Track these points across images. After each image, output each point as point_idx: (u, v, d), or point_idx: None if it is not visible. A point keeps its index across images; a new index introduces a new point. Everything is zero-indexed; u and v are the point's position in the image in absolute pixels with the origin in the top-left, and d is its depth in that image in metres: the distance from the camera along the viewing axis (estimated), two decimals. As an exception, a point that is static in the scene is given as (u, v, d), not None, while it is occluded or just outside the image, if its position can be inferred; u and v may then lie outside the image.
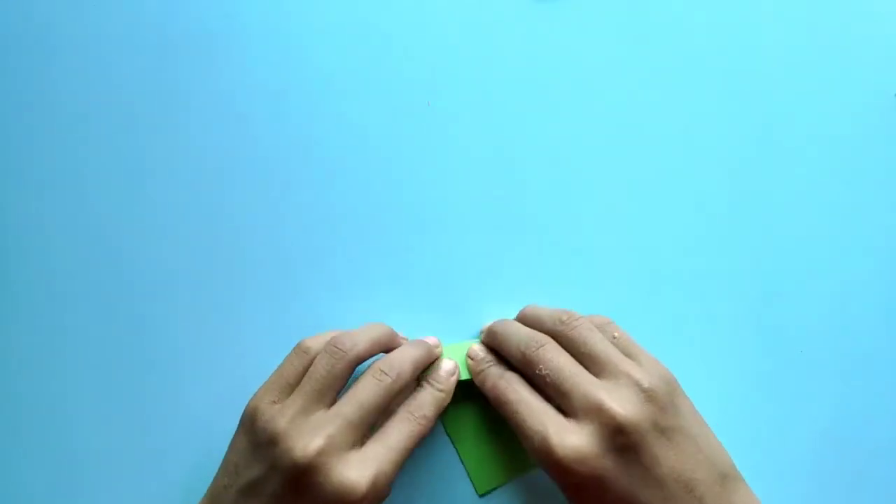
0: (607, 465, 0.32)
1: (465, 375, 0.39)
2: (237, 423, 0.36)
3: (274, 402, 0.35)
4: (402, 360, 0.36)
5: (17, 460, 0.41)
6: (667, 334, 0.42)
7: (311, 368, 0.35)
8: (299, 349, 0.37)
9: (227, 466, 0.35)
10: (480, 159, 0.43)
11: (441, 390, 0.38)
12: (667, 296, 0.42)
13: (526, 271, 0.42)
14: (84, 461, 0.41)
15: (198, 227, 0.43)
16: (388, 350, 0.38)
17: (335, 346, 0.36)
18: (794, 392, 0.42)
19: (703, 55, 0.44)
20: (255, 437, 0.34)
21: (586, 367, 0.35)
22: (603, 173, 0.43)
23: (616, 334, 0.37)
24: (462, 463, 0.40)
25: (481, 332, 0.41)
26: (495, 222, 0.43)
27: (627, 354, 0.36)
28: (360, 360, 0.36)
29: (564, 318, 0.37)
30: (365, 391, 0.35)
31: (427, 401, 0.37)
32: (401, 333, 0.40)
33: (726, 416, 0.41)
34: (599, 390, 0.33)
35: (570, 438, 0.32)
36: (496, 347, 0.39)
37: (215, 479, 0.36)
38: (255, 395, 0.36)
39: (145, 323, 0.42)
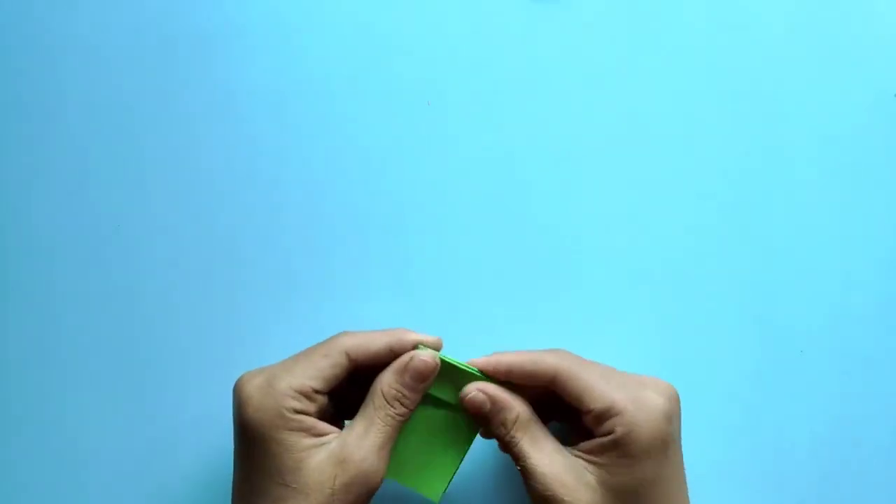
0: (674, 433, 0.34)
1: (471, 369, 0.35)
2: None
3: None
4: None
5: (17, 459, 0.41)
6: (667, 334, 0.42)
7: None
8: None
9: None
10: (480, 159, 0.43)
11: (401, 333, 0.35)
12: (667, 296, 0.42)
13: (525, 271, 0.42)
14: (83, 459, 0.41)
15: (197, 226, 0.43)
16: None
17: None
18: (794, 392, 0.42)
19: (703, 55, 0.44)
20: None
21: None
22: (603, 173, 0.43)
23: None
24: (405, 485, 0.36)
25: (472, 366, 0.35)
26: (495, 222, 0.43)
27: None
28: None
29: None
30: None
31: (373, 332, 0.35)
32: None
33: (726, 416, 0.41)
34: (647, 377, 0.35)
35: (658, 398, 0.33)
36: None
37: None
38: None
39: (145, 321, 0.42)
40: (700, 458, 0.40)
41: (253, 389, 0.33)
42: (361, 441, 0.33)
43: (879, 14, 0.44)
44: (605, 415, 0.33)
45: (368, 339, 0.34)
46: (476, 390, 0.34)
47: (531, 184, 0.43)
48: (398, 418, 0.34)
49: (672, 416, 0.33)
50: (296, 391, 0.33)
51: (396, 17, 0.44)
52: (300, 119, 0.44)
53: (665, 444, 0.33)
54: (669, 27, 0.44)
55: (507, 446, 0.34)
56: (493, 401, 0.34)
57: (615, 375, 0.35)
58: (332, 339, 0.35)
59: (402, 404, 0.34)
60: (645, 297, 0.42)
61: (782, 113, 0.44)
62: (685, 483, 0.34)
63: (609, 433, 0.32)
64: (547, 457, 0.33)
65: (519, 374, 0.34)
